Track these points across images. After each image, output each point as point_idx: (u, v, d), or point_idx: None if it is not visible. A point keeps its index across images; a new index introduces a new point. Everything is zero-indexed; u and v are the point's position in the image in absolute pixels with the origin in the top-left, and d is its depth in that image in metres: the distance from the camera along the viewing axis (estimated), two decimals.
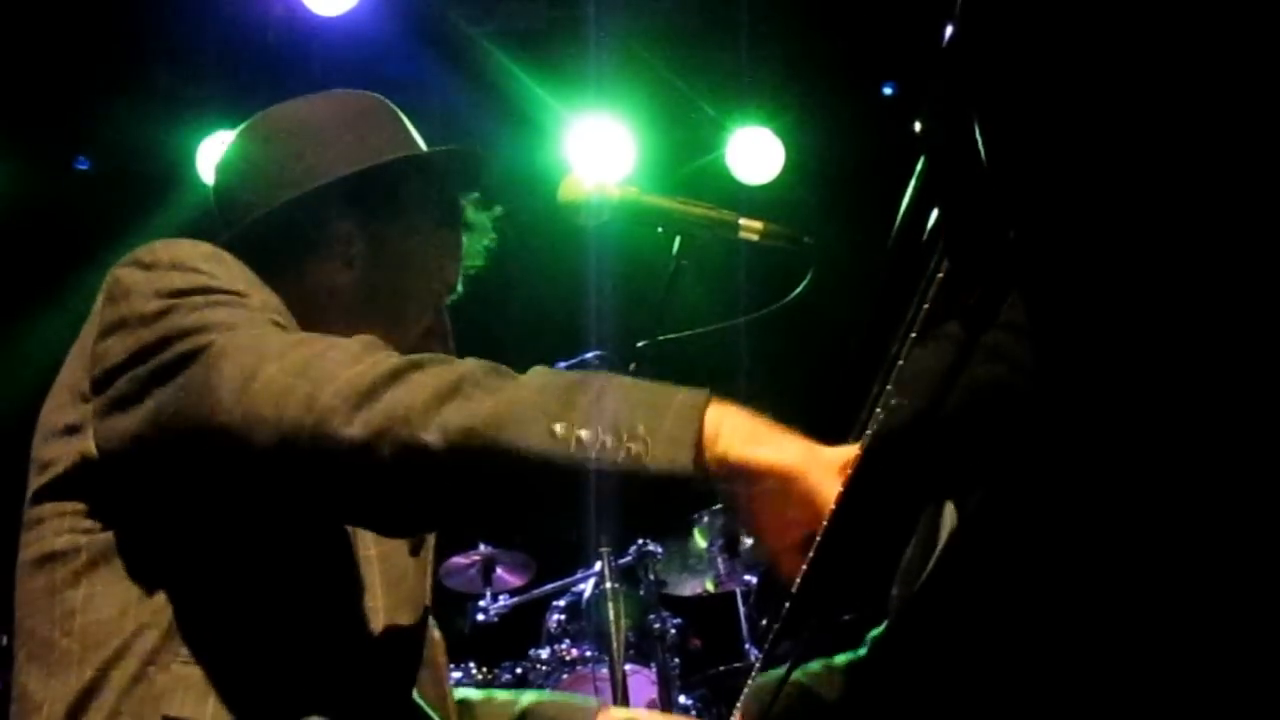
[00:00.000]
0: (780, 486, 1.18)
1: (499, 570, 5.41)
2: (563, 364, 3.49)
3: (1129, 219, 0.83)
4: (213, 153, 5.01)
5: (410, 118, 1.77)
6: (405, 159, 1.68)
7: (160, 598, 1.40)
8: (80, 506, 1.44)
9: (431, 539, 1.69)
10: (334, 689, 1.43)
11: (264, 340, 1.33)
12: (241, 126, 1.73)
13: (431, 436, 1.20)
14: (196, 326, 1.36)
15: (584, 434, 1.17)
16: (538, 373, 1.25)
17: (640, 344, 2.14)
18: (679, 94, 5.44)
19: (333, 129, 1.67)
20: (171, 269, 1.44)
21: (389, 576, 1.55)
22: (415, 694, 1.56)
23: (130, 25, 5.00)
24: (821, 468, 1.18)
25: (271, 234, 1.59)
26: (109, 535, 1.43)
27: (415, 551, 1.63)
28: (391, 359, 1.27)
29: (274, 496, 1.35)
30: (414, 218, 1.69)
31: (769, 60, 5.44)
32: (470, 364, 1.26)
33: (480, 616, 5.27)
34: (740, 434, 1.19)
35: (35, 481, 1.48)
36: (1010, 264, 0.82)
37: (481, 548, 5.32)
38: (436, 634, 1.68)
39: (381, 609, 1.52)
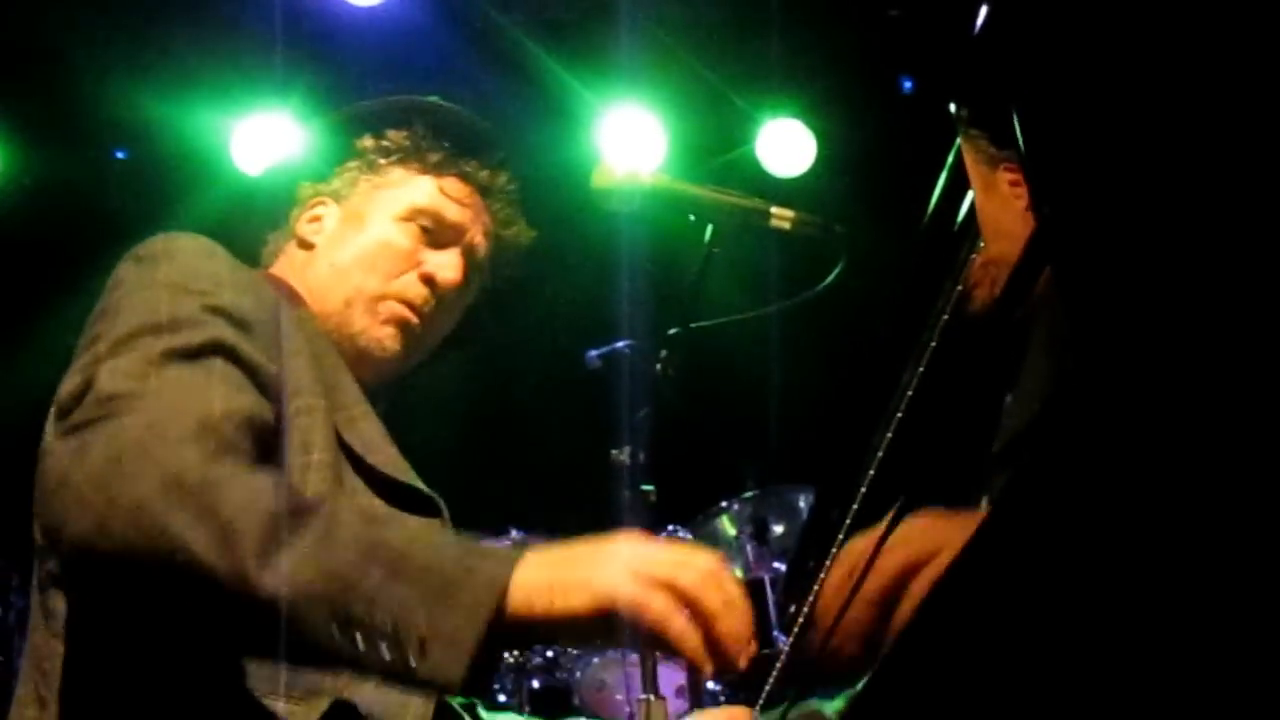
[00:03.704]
0: (606, 621, 1.18)
1: None
2: (594, 352, 3.48)
3: (1165, 201, 0.83)
4: (247, 140, 5.05)
5: None
6: None
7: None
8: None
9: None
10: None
11: (114, 437, 1.28)
12: None
13: (264, 586, 1.17)
14: (121, 391, 1.32)
15: (360, 632, 1.14)
16: (336, 530, 1.21)
17: (671, 332, 2.15)
18: (710, 85, 5.42)
19: None
20: (160, 260, 1.48)
21: None
22: None
23: (166, 14, 5.05)
24: (637, 586, 1.19)
25: None
26: None
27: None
28: (191, 473, 1.23)
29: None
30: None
31: (801, 52, 5.41)
32: (266, 510, 1.22)
33: None
34: (546, 591, 1.17)
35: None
36: (1045, 244, 0.83)
37: (513, 533, 5.34)
38: None
39: None
